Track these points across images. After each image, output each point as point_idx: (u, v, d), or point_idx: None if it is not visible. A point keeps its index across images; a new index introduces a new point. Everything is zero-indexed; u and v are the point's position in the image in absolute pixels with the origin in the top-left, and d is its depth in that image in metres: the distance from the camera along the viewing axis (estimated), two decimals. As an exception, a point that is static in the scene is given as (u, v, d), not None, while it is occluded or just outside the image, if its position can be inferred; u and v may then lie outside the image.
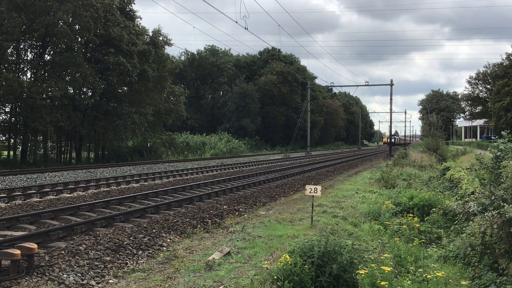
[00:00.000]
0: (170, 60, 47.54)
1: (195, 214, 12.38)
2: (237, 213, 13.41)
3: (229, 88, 76.92)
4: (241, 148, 60.56)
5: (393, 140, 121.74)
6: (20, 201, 15.36)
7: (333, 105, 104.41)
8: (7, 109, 33.80)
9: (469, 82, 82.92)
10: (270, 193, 17.81)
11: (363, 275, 6.04)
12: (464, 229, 9.25)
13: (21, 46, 34.14)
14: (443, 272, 6.32)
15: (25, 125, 31.85)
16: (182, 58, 77.33)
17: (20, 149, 33.86)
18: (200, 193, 17.15)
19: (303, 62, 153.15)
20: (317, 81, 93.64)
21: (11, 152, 33.60)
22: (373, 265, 6.38)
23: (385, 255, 7.34)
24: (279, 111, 77.76)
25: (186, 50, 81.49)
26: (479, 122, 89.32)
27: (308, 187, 10.95)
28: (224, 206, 14.00)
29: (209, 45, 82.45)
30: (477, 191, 12.24)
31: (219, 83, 79.74)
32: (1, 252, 6.90)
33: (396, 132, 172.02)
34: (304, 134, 71.36)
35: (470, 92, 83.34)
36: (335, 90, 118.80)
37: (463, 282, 6.77)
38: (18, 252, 6.79)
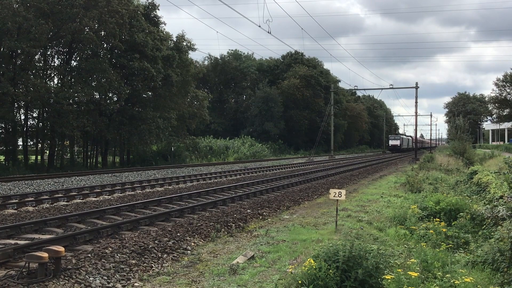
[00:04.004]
0: (193, 65, 47.88)
1: (219, 218, 12.40)
2: (260, 217, 13.38)
3: (252, 92, 77.00)
4: (264, 152, 60.48)
5: (396, 143, 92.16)
6: (48, 205, 15.62)
7: (357, 108, 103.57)
8: (35, 115, 34.55)
9: (496, 84, 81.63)
10: (293, 197, 17.74)
11: (389, 280, 5.95)
12: (492, 234, 9.05)
13: (48, 53, 34.82)
14: (471, 278, 6.18)
15: (52, 130, 32.44)
16: (206, 62, 77.76)
17: (47, 154, 34.47)
18: (223, 197, 17.17)
19: (327, 65, 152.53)
20: (340, 84, 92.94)
21: (39, 157, 34.21)
22: (399, 270, 6.29)
23: (411, 260, 7.23)
24: (302, 115, 77.45)
25: (210, 55, 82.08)
26: (507, 125, 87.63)
27: (332, 191, 10.87)
28: (248, 210, 14.00)
29: (232, 50, 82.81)
30: (505, 195, 12.01)
31: (242, 87, 79.92)
32: (29, 255, 7.01)
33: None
34: (328, 137, 70.97)
35: (497, 94, 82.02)
36: (359, 93, 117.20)
37: (492, 288, 6.63)
38: (45, 255, 6.90)
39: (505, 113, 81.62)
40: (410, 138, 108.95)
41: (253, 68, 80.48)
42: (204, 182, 25.04)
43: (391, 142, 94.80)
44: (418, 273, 6.29)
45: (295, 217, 13.18)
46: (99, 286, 6.98)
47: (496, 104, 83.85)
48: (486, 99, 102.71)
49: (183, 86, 43.10)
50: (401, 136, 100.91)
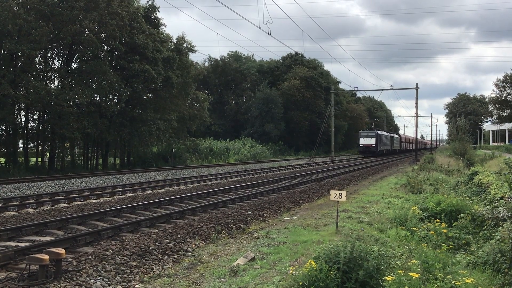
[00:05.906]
0: (194, 67, 47.96)
1: (219, 219, 12.39)
2: (261, 219, 13.38)
3: (253, 93, 77.03)
4: (264, 154, 60.46)
5: (370, 142, 64.42)
6: (48, 207, 15.62)
7: (357, 109, 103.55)
8: (35, 117, 34.56)
9: (496, 85, 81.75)
10: (294, 199, 17.74)
11: (390, 282, 5.95)
12: (493, 234, 9.05)
13: (49, 55, 34.85)
14: (472, 279, 6.18)
15: (53, 132, 32.44)
16: (206, 64, 77.84)
17: (48, 156, 34.48)
18: (224, 198, 17.17)
19: (327, 66, 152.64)
20: (340, 85, 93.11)
21: (39, 159, 34.23)
22: (400, 271, 6.28)
23: (412, 261, 7.22)
24: (302, 116, 77.48)
25: (210, 57, 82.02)
26: (507, 125, 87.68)
27: (332, 192, 10.86)
28: (249, 212, 13.99)
29: (232, 51, 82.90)
30: (506, 196, 12.01)
31: (243, 88, 79.96)
32: (30, 257, 7.01)
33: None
34: (328, 139, 70.88)
35: (497, 95, 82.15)
36: (359, 94, 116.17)
37: (493, 289, 6.62)
38: (46, 257, 6.90)
39: (505, 114, 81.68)
40: (396, 136, 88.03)
41: (253, 69, 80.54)
42: (205, 183, 25.02)
43: (361, 141, 66.29)
44: (419, 274, 6.28)
45: (296, 218, 13.18)
46: (100, 288, 6.98)
47: (497, 105, 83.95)
48: (487, 100, 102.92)
49: (183, 87, 43.13)
50: (379, 132, 70.20)
